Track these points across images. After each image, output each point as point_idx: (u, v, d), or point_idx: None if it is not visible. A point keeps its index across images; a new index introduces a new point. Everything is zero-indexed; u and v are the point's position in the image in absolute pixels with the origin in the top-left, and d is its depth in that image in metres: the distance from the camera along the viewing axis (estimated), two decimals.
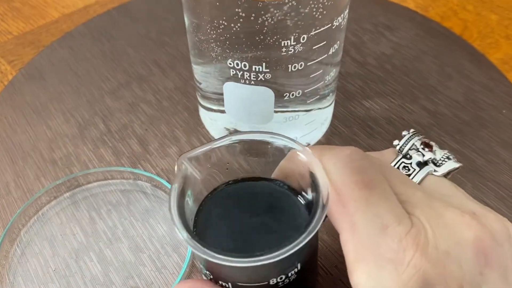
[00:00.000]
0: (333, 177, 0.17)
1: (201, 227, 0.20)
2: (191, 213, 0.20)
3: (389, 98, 0.37)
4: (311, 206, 0.18)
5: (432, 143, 0.23)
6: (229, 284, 0.18)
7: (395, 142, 0.23)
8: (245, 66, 0.27)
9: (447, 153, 0.22)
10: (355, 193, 0.16)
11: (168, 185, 0.30)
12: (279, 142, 0.20)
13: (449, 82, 0.39)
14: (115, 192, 0.31)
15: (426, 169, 0.21)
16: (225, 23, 0.25)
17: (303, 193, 0.20)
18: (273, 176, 0.21)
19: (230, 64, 0.27)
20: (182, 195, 0.18)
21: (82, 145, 0.35)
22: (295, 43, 0.25)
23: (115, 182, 0.32)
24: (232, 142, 0.20)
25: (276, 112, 0.29)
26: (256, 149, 0.21)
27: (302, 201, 0.20)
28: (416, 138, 0.23)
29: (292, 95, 0.28)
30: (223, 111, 0.30)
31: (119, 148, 0.34)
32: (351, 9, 0.28)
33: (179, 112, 0.37)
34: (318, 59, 0.27)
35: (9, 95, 0.39)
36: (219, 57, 0.27)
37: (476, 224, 0.17)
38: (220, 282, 0.19)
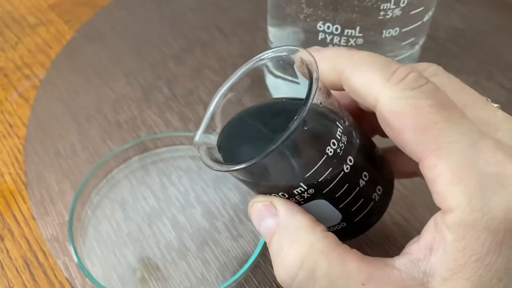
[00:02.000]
0: (407, 102, 0.16)
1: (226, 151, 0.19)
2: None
3: (464, 74, 0.36)
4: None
5: None
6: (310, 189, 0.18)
7: None
8: (336, 29, 0.25)
9: None
10: (434, 116, 0.16)
11: None
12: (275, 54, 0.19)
13: None
14: (184, 158, 0.31)
15: None
16: None
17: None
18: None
19: (320, 27, 0.25)
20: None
21: (147, 108, 0.34)
22: (394, 6, 0.24)
23: (184, 148, 0.31)
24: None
25: None
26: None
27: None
28: None
29: None
30: (297, 83, 0.29)
31: (185, 114, 0.33)
32: None
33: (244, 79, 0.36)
34: (413, 26, 0.26)
35: (68, 55, 0.38)
36: (308, 19, 0.26)
37: None
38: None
